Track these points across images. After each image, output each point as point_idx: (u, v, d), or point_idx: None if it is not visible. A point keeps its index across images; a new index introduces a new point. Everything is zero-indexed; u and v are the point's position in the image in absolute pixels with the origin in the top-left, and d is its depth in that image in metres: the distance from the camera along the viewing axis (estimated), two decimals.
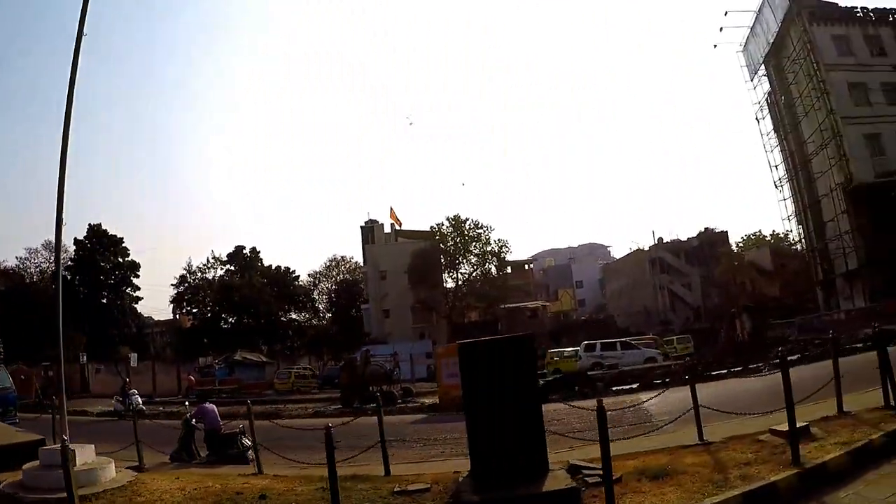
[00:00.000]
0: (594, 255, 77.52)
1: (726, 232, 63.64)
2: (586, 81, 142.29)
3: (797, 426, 6.95)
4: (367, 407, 18.83)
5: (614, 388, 20.85)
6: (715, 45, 45.23)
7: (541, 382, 23.70)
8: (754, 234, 64.38)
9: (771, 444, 7.61)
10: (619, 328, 51.89)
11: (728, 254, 57.04)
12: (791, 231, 48.99)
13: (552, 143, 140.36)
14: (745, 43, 45.26)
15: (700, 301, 57.10)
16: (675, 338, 41.24)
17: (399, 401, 24.54)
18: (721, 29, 43.57)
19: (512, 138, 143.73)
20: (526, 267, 70.92)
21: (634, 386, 21.29)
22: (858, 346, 19.82)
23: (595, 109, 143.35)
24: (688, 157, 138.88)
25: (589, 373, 27.00)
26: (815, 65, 38.94)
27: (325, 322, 66.48)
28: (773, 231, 50.03)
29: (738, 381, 18.13)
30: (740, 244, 64.96)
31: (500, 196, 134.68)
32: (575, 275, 79.51)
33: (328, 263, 69.12)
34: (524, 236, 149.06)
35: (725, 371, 20.39)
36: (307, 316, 66.95)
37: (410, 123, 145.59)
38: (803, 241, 46.16)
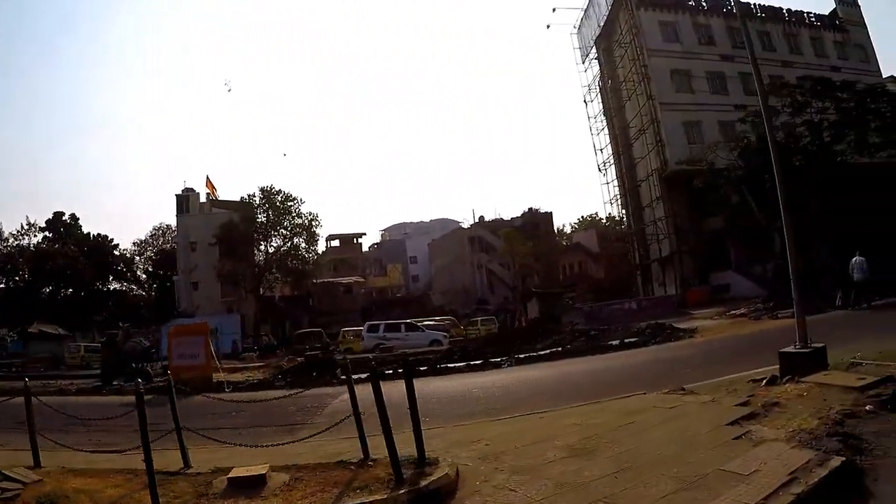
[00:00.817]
0: (445, 230, 75.52)
1: (550, 213, 64.76)
2: (427, 56, 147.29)
3: None
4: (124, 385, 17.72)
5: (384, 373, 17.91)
6: (548, 26, 44.82)
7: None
8: (590, 217, 64.29)
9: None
10: (435, 306, 51.50)
11: (550, 234, 56.37)
12: (613, 215, 49.43)
13: (398, 117, 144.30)
14: (579, 25, 45.25)
15: (519, 280, 55.44)
16: (479, 319, 39.52)
17: (157, 379, 21.19)
18: (554, 10, 43.08)
19: (359, 113, 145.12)
20: (355, 241, 68.73)
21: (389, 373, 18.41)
22: (631, 340, 19.26)
23: (439, 85, 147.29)
24: (530, 138, 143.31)
25: (371, 355, 24.12)
26: (638, 49, 37.89)
27: (146, 293, 64.54)
28: (609, 214, 49.71)
29: (472, 376, 15.86)
30: (575, 225, 64.83)
31: (347, 169, 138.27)
32: (412, 250, 78.02)
33: (153, 232, 65.87)
34: (377, 209, 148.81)
35: (464, 364, 17.85)
36: (127, 286, 64.48)
37: (229, 90, 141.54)
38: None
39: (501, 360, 17.67)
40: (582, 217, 68.26)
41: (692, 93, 38.80)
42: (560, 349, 18.93)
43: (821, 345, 8.41)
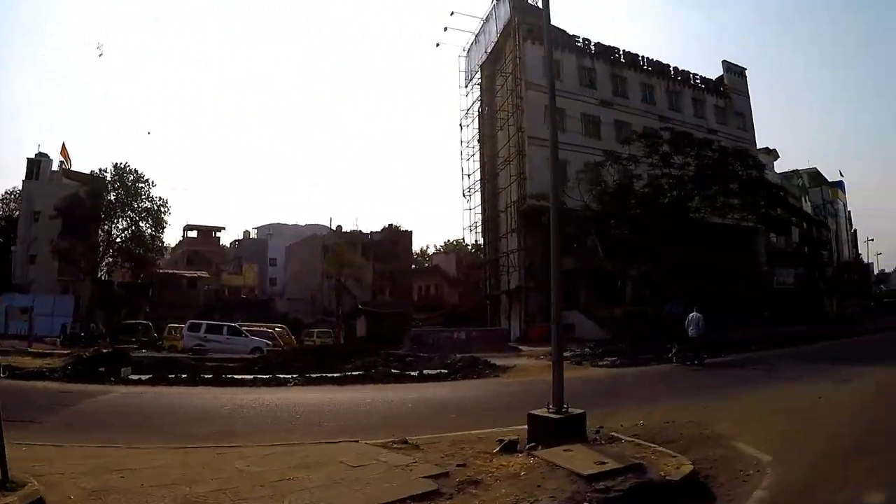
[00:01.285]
0: (318, 236, 74.43)
1: (411, 232, 65.83)
2: (322, 56, 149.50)
3: None
4: None
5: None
6: (437, 45, 44.22)
7: None
8: (456, 241, 64.97)
9: None
10: (280, 313, 51.24)
11: (408, 252, 56.38)
12: (472, 242, 50.22)
13: (288, 114, 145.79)
14: (469, 49, 45.38)
15: (370, 296, 54.85)
16: (316, 331, 39.75)
17: None
18: (445, 29, 42.64)
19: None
20: (213, 234, 67.98)
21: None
22: (434, 372, 19.13)
23: (325, 88, 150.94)
24: (406, 153, 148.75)
25: (188, 355, 23.20)
26: (517, 80, 37.94)
27: None
28: (472, 241, 49.77)
29: (242, 392, 15.09)
30: (442, 248, 65.01)
31: (226, 158, 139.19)
32: (274, 252, 77.62)
33: (4, 196, 61.14)
34: (256, 206, 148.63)
35: (252, 378, 17.24)
36: None
37: (100, 55, 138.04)
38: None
39: (289, 378, 17.09)
40: (448, 241, 68.51)
41: (564, 132, 39.04)
42: (357, 373, 18.30)
43: (579, 411, 7.47)
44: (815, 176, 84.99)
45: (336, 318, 41.96)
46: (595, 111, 41.22)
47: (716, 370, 17.71)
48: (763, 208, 35.56)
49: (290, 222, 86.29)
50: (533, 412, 7.52)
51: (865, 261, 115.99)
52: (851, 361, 17.79)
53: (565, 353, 24.46)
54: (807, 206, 65.95)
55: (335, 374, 17.87)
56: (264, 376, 17.42)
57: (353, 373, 18.18)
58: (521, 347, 30.18)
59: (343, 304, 55.61)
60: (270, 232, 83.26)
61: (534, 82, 39.21)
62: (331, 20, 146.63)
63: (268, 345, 30.08)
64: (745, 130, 50.10)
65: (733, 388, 13.65)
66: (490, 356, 22.59)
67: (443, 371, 19.13)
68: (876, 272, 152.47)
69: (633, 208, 32.23)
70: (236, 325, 32.13)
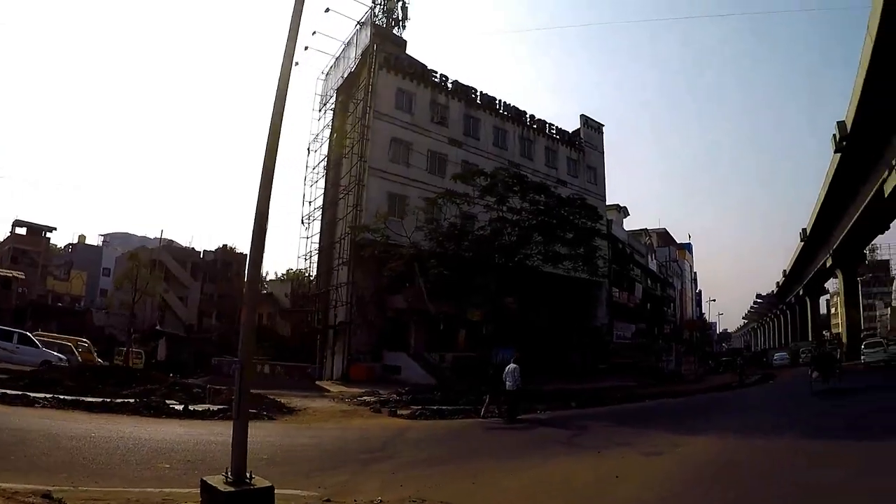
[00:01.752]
0: (146, 248, 70.83)
1: (245, 255, 60.58)
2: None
3: None
4: None
5: None
6: (296, 63, 41.61)
7: None
8: (297, 271, 63.53)
9: None
10: (95, 326, 48.82)
11: (241, 276, 54.35)
12: (305, 271, 48.53)
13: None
14: (328, 72, 44.91)
15: (195, 318, 52.07)
16: (125, 349, 38.10)
17: None
18: (306, 48, 41.21)
19: None
20: (43, 234, 62.55)
21: None
22: (200, 409, 17.33)
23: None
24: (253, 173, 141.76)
25: None
26: (367, 108, 36.87)
27: None
28: (305, 269, 48.38)
29: None
30: (283, 276, 63.21)
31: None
32: (109, 262, 73.01)
33: None
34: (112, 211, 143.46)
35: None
36: None
37: None
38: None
39: (40, 398, 15.64)
40: (290, 270, 66.90)
41: (407, 166, 39.07)
42: (121, 401, 16.59)
43: (265, 484, 6.21)
44: (664, 236, 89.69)
45: (128, 338, 38.85)
46: (444, 149, 41.20)
47: (520, 430, 16.83)
48: (596, 260, 35.37)
49: (140, 233, 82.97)
50: (207, 479, 6.21)
51: (708, 320, 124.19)
52: (672, 426, 16.81)
53: (369, 398, 23.73)
54: (653, 265, 68.90)
55: (94, 400, 16.33)
56: (11, 392, 15.91)
57: (119, 400, 16.66)
58: (328, 388, 28.76)
59: (167, 322, 52.29)
60: (108, 240, 79.65)
61: (383, 112, 38.93)
62: (190, 33, 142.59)
63: (61, 359, 27.64)
64: (595, 184, 52.01)
65: (525, 456, 12.46)
66: (289, 394, 21.83)
67: (223, 407, 17.42)
68: (718, 331, 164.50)
69: (467, 250, 31.84)
70: (29, 334, 29.46)
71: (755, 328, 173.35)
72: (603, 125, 55.50)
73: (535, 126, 48.14)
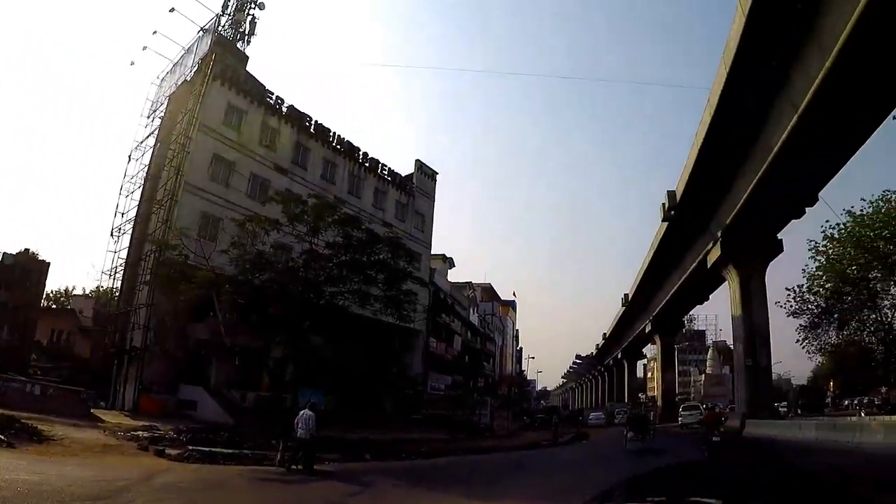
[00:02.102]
0: None
1: (49, 263, 59.11)
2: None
3: None
4: None
5: None
6: (132, 63, 41.17)
7: None
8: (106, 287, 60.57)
9: None
10: None
11: (41, 287, 50.87)
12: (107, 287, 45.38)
13: None
14: (163, 77, 43.88)
15: None
16: None
17: None
18: (144, 48, 39.87)
19: None
20: None
21: None
22: None
23: None
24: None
25: None
26: (193, 120, 35.97)
27: None
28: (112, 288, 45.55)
29: None
30: (92, 292, 60.23)
31: None
32: None
33: None
34: None
35: None
36: None
37: None
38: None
39: None
40: (101, 286, 63.42)
41: (227, 187, 38.10)
42: None
43: None
44: (488, 291, 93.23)
45: None
46: (268, 174, 40.65)
47: (293, 482, 15.97)
48: (406, 304, 34.75)
49: None
50: None
51: (528, 377, 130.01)
52: (467, 488, 16.02)
53: (143, 433, 22.60)
54: (474, 318, 71.55)
55: None
56: None
57: None
58: (105, 418, 27.27)
59: None
60: None
61: (210, 126, 37.90)
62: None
63: None
64: (422, 231, 53.60)
65: None
66: (56, 421, 20.76)
67: None
68: (538, 389, 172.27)
69: (272, 281, 30.73)
70: None
71: (573, 388, 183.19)
72: (437, 173, 57.44)
73: (367, 164, 48.76)
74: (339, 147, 46.64)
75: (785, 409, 55.28)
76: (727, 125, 31.48)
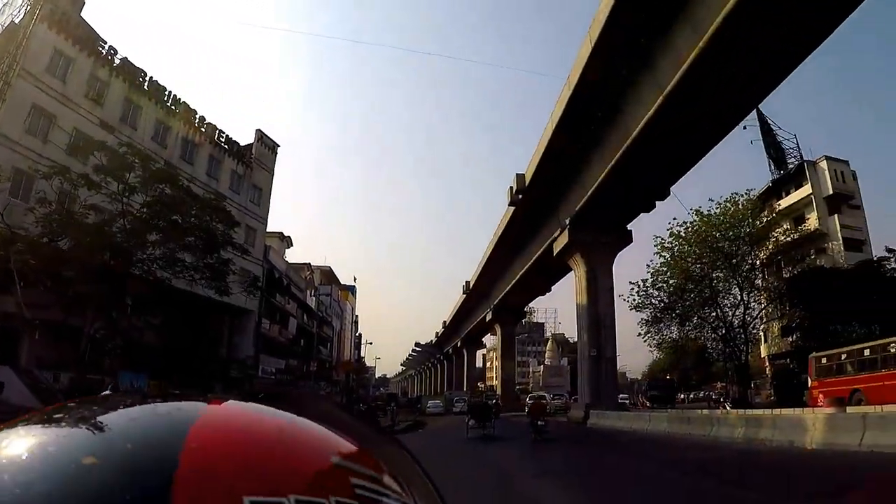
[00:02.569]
0: None
1: None
2: None
3: None
4: None
5: None
6: None
7: None
8: None
9: None
10: None
11: None
12: None
13: None
14: None
15: None
16: None
17: None
18: None
19: None
20: None
21: None
22: None
23: None
24: None
25: None
26: (14, 64, 33.76)
27: None
28: None
29: None
30: None
31: None
32: None
33: None
34: None
35: None
36: None
37: None
38: None
39: None
40: None
41: (45, 142, 35.72)
42: None
43: None
44: (328, 274, 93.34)
45: None
46: (92, 130, 38.09)
47: None
48: (227, 274, 34.61)
49: None
50: None
51: (368, 364, 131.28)
52: None
53: None
54: (311, 301, 71.69)
55: None
56: None
57: None
58: None
59: None
60: None
61: (33, 73, 35.46)
62: None
63: None
64: (258, 205, 53.05)
65: None
66: None
67: None
68: (377, 376, 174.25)
69: (79, 245, 29.26)
70: None
71: (413, 375, 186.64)
72: (278, 145, 56.84)
73: (203, 129, 47.50)
74: (173, 108, 44.82)
75: (626, 400, 59.61)
76: (587, 104, 31.68)
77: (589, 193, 37.78)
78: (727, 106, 28.85)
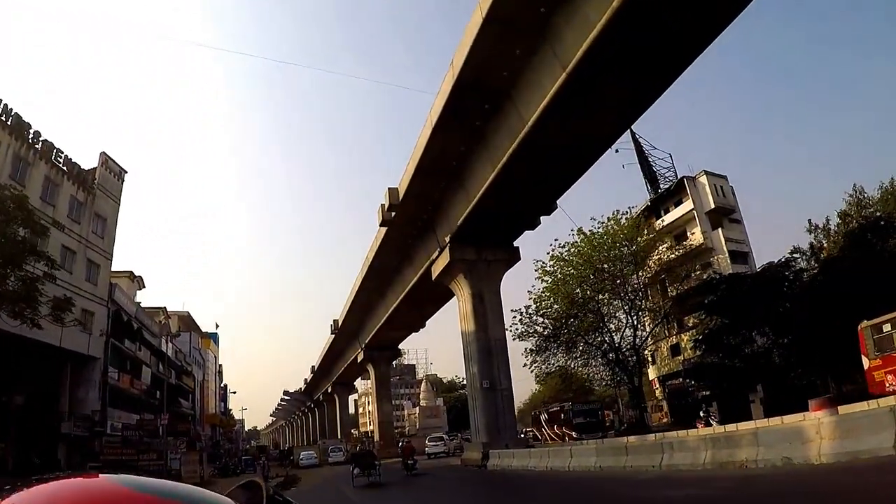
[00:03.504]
0: None
1: None
2: None
3: None
4: None
5: None
6: None
7: None
8: None
9: None
10: None
11: None
12: None
13: None
14: None
15: None
16: None
17: None
18: None
19: None
20: None
21: None
22: None
23: None
24: None
25: None
26: None
27: None
28: None
29: None
30: None
31: None
32: None
33: None
34: None
35: None
36: None
37: None
38: None
39: None
40: None
41: None
42: None
43: None
44: (187, 320, 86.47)
45: None
46: None
47: None
48: (40, 299, 27.97)
49: None
50: None
51: (235, 416, 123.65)
52: None
53: None
54: (168, 349, 64.61)
55: None
56: None
57: None
58: None
59: None
60: None
61: None
62: None
63: None
64: (102, 238, 46.23)
65: None
66: None
67: None
68: (248, 428, 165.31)
69: None
70: None
71: (284, 426, 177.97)
72: (126, 172, 50.61)
73: (39, 146, 40.91)
74: (4, 119, 38.42)
75: (529, 435, 55.18)
76: (472, 96, 27.09)
77: (473, 203, 33.11)
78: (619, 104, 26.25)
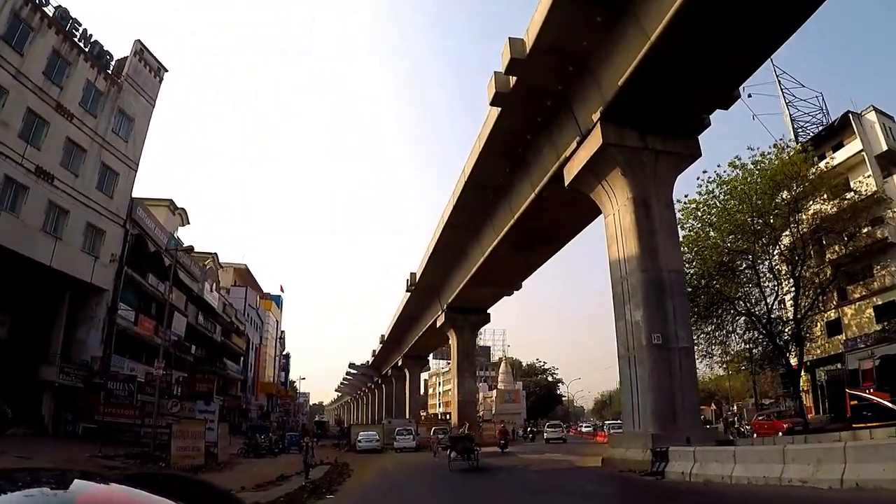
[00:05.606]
0: None
1: None
2: None
3: None
4: None
5: None
6: None
7: None
8: None
9: None
10: None
11: None
12: None
13: None
14: None
15: None
16: None
17: None
18: None
19: None
20: None
21: None
22: None
23: None
24: None
25: None
26: None
27: None
28: None
29: None
30: None
31: None
32: None
33: None
34: None
35: None
36: None
37: None
38: None
39: None
40: None
41: None
42: None
43: None
44: (244, 274, 77.99)
45: None
46: None
47: None
48: None
49: None
50: None
51: (300, 389, 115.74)
52: None
53: None
54: (212, 298, 55.17)
55: None
56: None
57: None
58: None
59: None
60: None
61: None
62: None
63: None
64: (125, 141, 36.63)
65: None
66: None
67: None
68: (311, 403, 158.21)
69: None
70: None
71: (349, 402, 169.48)
72: (167, 70, 40.55)
73: (45, 7, 31.42)
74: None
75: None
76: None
77: (649, 44, 20.95)
78: None
